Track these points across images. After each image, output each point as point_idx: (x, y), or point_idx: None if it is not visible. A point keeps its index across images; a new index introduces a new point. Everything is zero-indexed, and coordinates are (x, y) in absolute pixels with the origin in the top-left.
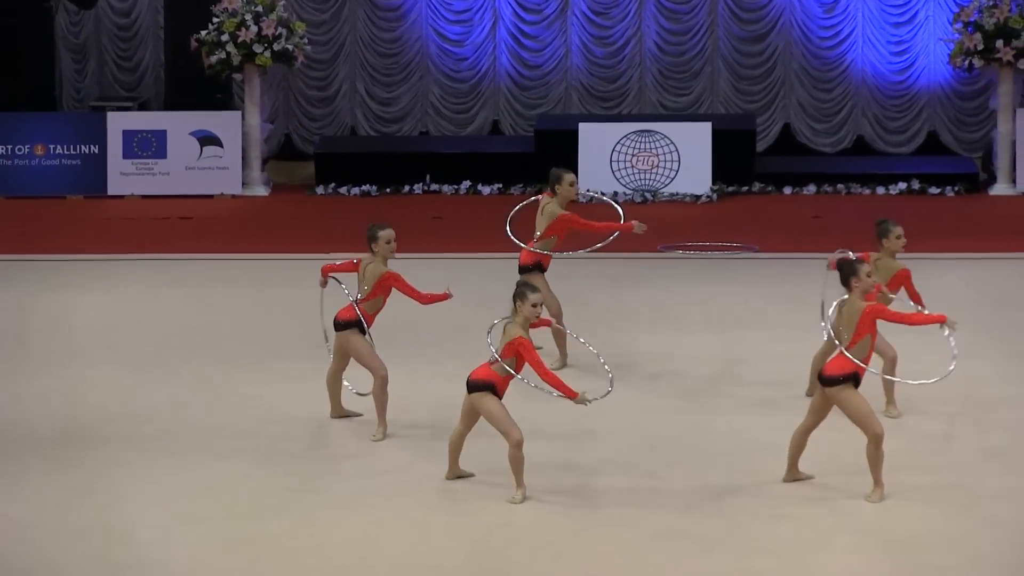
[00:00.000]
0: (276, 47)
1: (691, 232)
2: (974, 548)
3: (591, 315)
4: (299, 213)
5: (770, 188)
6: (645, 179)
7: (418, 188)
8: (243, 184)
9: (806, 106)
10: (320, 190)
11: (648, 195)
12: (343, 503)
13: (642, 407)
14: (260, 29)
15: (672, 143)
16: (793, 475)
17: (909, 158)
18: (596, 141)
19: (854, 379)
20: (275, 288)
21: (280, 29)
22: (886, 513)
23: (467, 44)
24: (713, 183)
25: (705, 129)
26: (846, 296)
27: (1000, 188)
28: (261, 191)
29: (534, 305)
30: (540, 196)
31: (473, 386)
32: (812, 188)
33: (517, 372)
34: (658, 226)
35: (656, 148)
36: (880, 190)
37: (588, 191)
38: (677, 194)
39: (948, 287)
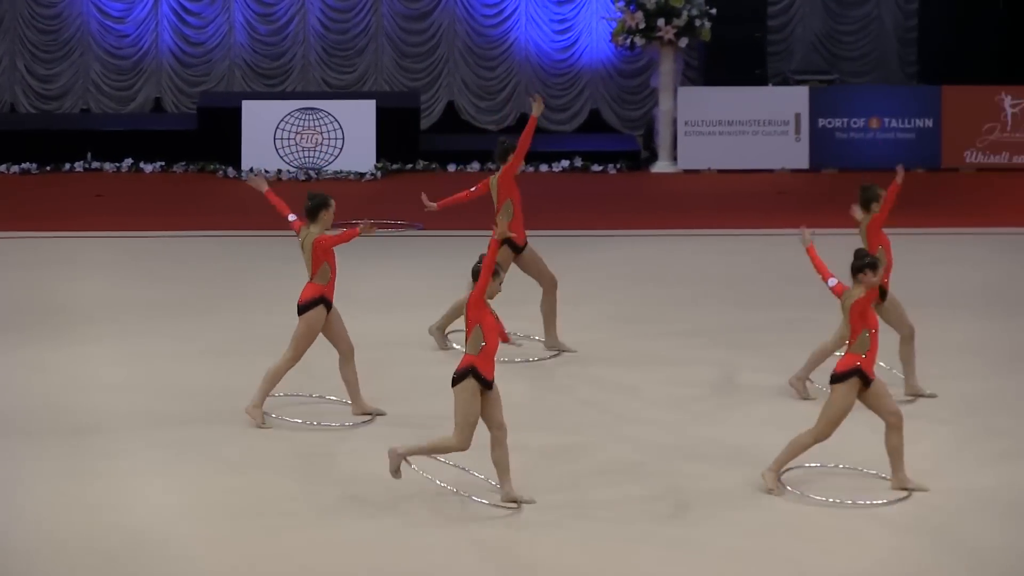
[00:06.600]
0: None
1: (356, 210)
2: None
3: (253, 294)
4: None
5: (434, 166)
6: (309, 157)
7: (79, 166)
8: None
9: (470, 84)
10: None
11: (312, 173)
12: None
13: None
14: None
15: (336, 121)
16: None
17: (572, 136)
18: (260, 119)
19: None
20: None
21: None
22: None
23: (129, 20)
24: (377, 161)
25: (369, 107)
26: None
27: (661, 165)
28: None
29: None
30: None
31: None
32: (476, 165)
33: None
34: None
35: (320, 126)
36: (544, 167)
37: None
38: (341, 172)
39: (608, 264)
